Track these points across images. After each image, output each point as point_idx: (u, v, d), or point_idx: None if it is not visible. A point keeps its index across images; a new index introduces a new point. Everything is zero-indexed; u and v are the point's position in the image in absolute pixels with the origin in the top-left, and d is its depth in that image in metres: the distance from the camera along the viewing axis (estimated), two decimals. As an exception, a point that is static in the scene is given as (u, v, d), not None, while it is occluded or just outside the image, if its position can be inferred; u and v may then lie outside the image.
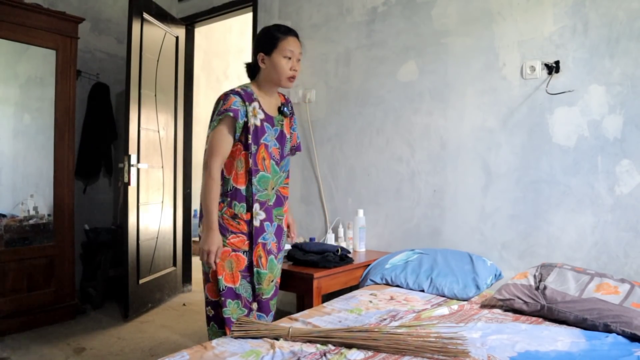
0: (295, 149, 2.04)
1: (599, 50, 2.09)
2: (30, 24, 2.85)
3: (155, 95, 3.44)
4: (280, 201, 1.92)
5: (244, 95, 1.76)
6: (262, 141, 1.81)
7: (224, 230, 1.78)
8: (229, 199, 1.80)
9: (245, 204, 1.80)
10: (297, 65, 1.84)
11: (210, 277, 1.80)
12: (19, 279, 2.83)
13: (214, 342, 1.41)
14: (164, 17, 3.51)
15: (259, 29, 3.33)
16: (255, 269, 1.81)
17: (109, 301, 3.42)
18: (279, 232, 1.92)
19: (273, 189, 1.89)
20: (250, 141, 1.76)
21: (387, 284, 2.21)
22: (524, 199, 2.29)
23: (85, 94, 3.64)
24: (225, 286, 1.77)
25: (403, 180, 2.69)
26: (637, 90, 2.02)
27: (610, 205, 2.08)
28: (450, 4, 2.52)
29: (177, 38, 3.72)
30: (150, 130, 3.38)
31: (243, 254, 1.80)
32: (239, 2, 3.51)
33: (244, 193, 1.80)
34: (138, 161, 3.16)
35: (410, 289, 2.12)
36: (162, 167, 3.55)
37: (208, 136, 1.78)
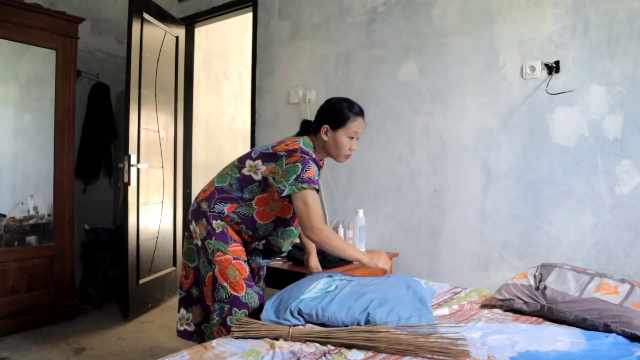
0: None
1: (599, 50, 2.10)
2: (30, 24, 2.85)
3: (155, 95, 3.44)
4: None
5: (317, 162, 1.75)
6: None
7: (225, 238, 1.75)
8: (239, 220, 1.77)
9: (251, 232, 1.79)
10: (355, 145, 1.82)
11: (207, 282, 1.77)
12: (19, 279, 2.83)
13: (214, 342, 1.41)
14: (164, 17, 3.51)
15: (259, 29, 3.35)
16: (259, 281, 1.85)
17: (109, 301, 3.42)
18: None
19: (292, 243, 1.94)
20: None
21: (307, 321, 1.53)
22: (524, 199, 2.29)
23: (85, 94, 3.64)
24: (231, 294, 1.72)
25: (403, 180, 2.69)
26: (637, 90, 2.02)
27: (610, 205, 2.08)
28: (450, 4, 2.52)
29: (177, 38, 3.72)
30: (150, 130, 3.38)
31: (244, 262, 1.77)
32: (239, 2, 3.51)
33: (257, 227, 1.79)
34: (138, 161, 3.16)
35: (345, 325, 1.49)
36: (162, 167, 3.55)
37: (257, 173, 1.75)
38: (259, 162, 1.76)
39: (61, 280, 3.02)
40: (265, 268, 1.97)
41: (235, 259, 1.74)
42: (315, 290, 1.64)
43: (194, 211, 1.84)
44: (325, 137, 1.78)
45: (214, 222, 1.76)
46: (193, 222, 1.83)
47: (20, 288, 2.84)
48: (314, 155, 1.72)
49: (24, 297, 2.85)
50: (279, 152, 1.72)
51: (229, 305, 1.72)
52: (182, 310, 1.92)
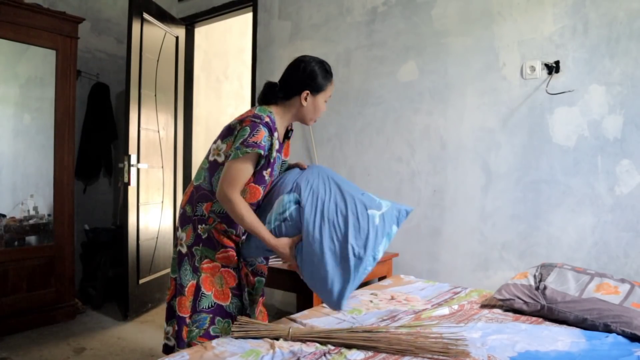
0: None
1: (599, 50, 2.09)
2: (30, 24, 2.85)
3: (155, 95, 3.44)
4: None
5: (271, 126, 1.62)
6: (273, 173, 1.71)
7: (212, 244, 1.69)
8: (219, 219, 1.69)
9: (234, 230, 1.71)
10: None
11: (187, 291, 1.67)
12: (19, 279, 2.83)
13: (214, 342, 1.41)
14: (164, 17, 3.51)
15: (259, 29, 3.35)
16: (247, 289, 1.74)
17: (109, 301, 3.42)
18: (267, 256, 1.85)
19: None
20: (267, 175, 1.67)
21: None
22: (524, 199, 2.29)
23: (85, 94, 3.64)
24: (215, 302, 1.67)
25: (403, 180, 2.69)
26: (637, 90, 2.02)
27: (610, 206, 2.08)
28: (450, 4, 2.52)
29: (177, 38, 3.72)
30: (150, 130, 3.38)
31: (233, 270, 1.70)
32: (239, 2, 3.51)
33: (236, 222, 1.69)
34: (138, 161, 3.16)
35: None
36: (162, 167, 3.55)
37: (220, 155, 1.67)
38: (219, 142, 1.69)
39: (61, 280, 3.02)
40: (264, 274, 1.86)
41: (223, 266, 1.69)
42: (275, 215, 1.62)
43: (180, 217, 1.77)
44: (304, 103, 1.69)
45: (199, 227, 1.69)
46: (179, 229, 1.76)
47: (20, 288, 2.84)
48: (266, 120, 1.60)
49: (24, 297, 2.85)
50: (232, 124, 1.66)
51: (211, 315, 1.66)
52: (165, 324, 1.83)
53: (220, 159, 1.67)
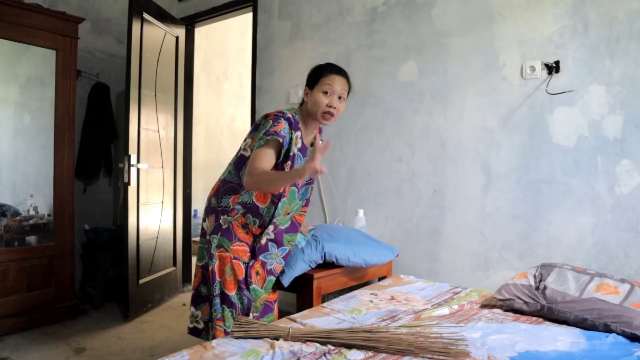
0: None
1: (599, 50, 2.10)
2: (30, 24, 2.85)
3: (155, 95, 3.44)
4: (294, 227, 1.96)
5: (293, 122, 1.78)
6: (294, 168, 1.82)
7: (230, 235, 1.80)
8: (244, 210, 1.82)
9: (258, 220, 1.83)
10: (336, 102, 1.81)
11: (211, 276, 1.81)
12: (19, 279, 2.83)
13: (214, 342, 1.41)
14: (164, 17, 3.51)
15: (259, 29, 3.35)
16: (251, 285, 1.81)
17: (109, 301, 3.42)
18: (286, 257, 1.95)
19: (288, 214, 1.93)
20: (287, 169, 1.77)
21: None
22: (524, 199, 2.29)
23: (85, 94, 3.64)
24: (222, 290, 1.78)
25: (403, 180, 2.69)
26: (637, 90, 2.02)
27: (610, 205, 2.08)
28: (450, 4, 2.52)
29: (177, 38, 3.72)
30: (150, 130, 3.38)
31: (243, 264, 1.80)
32: (239, 2, 3.51)
33: (261, 211, 1.82)
34: (138, 161, 3.16)
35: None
36: (162, 167, 3.55)
37: (246, 149, 1.82)
38: (247, 139, 1.87)
39: (61, 280, 3.02)
40: (276, 273, 1.92)
41: (235, 258, 1.79)
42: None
43: (206, 208, 1.91)
44: (306, 99, 1.85)
45: (221, 217, 1.82)
46: (205, 219, 1.89)
47: (20, 288, 2.84)
48: (288, 115, 1.77)
49: (24, 297, 2.85)
50: (258, 120, 1.84)
51: (220, 301, 1.78)
52: (192, 308, 1.95)
53: (247, 153, 1.82)
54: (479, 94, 2.43)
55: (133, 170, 3.09)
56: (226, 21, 3.95)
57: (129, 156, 3.08)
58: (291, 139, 1.76)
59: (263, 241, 1.84)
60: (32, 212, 3.08)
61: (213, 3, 3.66)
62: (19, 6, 2.80)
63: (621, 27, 2.05)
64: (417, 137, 2.64)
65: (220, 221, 1.82)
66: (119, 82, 3.76)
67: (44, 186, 3.07)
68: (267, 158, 1.70)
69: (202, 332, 1.91)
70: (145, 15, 3.24)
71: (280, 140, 1.71)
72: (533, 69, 2.25)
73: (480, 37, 2.42)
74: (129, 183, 3.07)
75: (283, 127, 1.72)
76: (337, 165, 2.97)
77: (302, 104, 1.92)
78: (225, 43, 4.58)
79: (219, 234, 1.81)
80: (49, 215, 3.07)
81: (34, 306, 2.88)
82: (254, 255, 1.84)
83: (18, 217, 3.01)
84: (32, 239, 3.07)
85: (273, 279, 1.89)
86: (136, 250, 3.17)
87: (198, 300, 1.93)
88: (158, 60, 3.46)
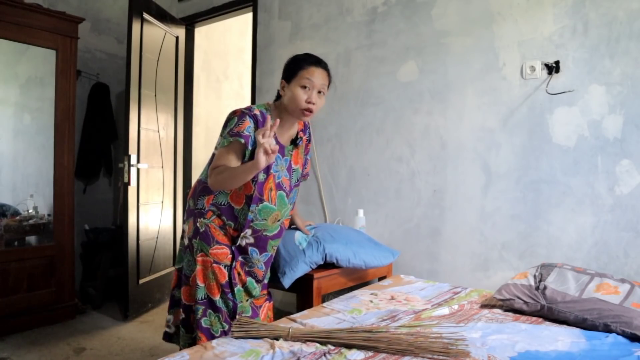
0: (302, 176, 1.95)
1: (599, 50, 2.09)
2: (30, 24, 2.85)
3: (155, 95, 3.44)
4: (281, 233, 1.88)
5: (260, 120, 1.65)
6: (271, 171, 1.72)
7: (208, 239, 1.73)
8: (219, 212, 1.74)
9: (233, 223, 1.74)
10: (315, 98, 1.66)
11: (191, 281, 1.75)
12: (19, 279, 2.83)
13: (214, 342, 1.41)
14: (164, 17, 3.51)
15: (259, 29, 3.35)
16: (235, 288, 1.75)
17: (109, 301, 3.42)
18: (269, 262, 1.87)
19: (278, 221, 1.81)
20: (271, 171, 1.70)
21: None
22: (524, 199, 2.29)
23: (85, 94, 3.64)
24: (206, 294, 1.71)
25: (403, 180, 2.69)
26: (637, 90, 2.02)
27: (610, 205, 2.08)
28: (450, 4, 2.52)
29: (177, 38, 3.72)
30: (150, 130, 3.38)
31: (224, 267, 1.74)
32: (239, 2, 3.51)
33: (236, 213, 1.74)
34: (138, 161, 3.16)
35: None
36: (162, 167, 3.55)
37: (216, 148, 1.72)
38: (220, 137, 1.72)
39: (61, 280, 3.02)
40: (257, 277, 1.84)
41: (215, 262, 1.72)
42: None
43: (186, 210, 1.86)
44: (283, 93, 1.71)
45: (198, 220, 1.76)
46: (185, 222, 1.84)
47: (20, 288, 2.84)
48: (255, 112, 1.66)
49: (24, 297, 2.85)
50: (227, 117, 1.71)
51: (203, 307, 1.72)
52: (167, 313, 1.92)
53: (216, 151, 1.73)
54: (479, 94, 2.43)
55: (133, 170, 3.09)
56: (226, 21, 3.94)
57: (129, 156, 3.08)
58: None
59: (242, 243, 1.76)
60: (32, 212, 3.08)
61: (213, 3, 3.66)
62: (19, 6, 2.80)
63: (621, 27, 2.04)
64: (417, 137, 2.64)
65: (198, 224, 1.75)
66: (119, 82, 3.76)
67: (44, 186, 3.07)
68: (229, 159, 1.63)
69: (173, 336, 1.87)
70: (145, 15, 3.24)
71: (243, 141, 1.61)
72: (533, 69, 2.25)
73: (480, 37, 2.42)
74: (129, 183, 3.07)
75: (247, 126, 1.62)
76: (337, 165, 2.97)
77: (277, 97, 1.77)
78: (225, 43, 4.58)
79: (198, 237, 1.74)
80: (48, 215, 3.07)
81: (34, 306, 2.88)
82: (234, 255, 1.76)
83: (18, 217, 3.02)
84: (32, 239, 3.07)
85: (253, 281, 1.81)
86: (136, 250, 3.17)
87: (172, 304, 1.88)
88: (158, 60, 3.46)
